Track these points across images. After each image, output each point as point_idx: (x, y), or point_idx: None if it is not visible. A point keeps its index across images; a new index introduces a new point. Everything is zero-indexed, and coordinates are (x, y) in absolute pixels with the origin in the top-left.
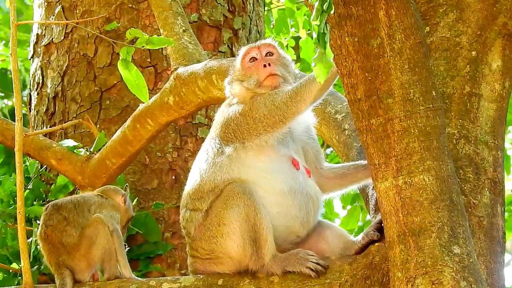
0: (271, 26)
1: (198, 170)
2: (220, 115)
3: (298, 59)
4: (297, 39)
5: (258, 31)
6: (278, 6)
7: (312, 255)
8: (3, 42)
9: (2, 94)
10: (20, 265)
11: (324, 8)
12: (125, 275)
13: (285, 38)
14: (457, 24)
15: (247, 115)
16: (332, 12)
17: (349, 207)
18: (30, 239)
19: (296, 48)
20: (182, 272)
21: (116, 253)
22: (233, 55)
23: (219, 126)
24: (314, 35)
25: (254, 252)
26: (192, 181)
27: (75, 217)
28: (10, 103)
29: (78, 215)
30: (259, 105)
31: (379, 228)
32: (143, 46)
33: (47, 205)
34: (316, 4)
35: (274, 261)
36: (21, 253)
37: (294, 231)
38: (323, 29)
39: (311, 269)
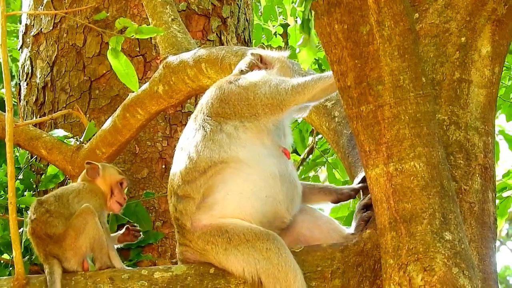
0: (259, 14)
1: (194, 148)
2: (218, 91)
3: (286, 46)
4: (285, 26)
5: (246, 19)
6: None
7: None
8: None
9: None
10: (11, 256)
11: None
12: (115, 266)
13: (273, 26)
14: (446, 10)
15: (249, 90)
16: None
17: None
18: (21, 229)
19: (284, 36)
20: (173, 261)
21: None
22: (221, 43)
23: (216, 102)
24: (299, 22)
25: None
26: (184, 159)
27: (57, 208)
28: None
29: (60, 206)
30: (264, 83)
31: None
32: (133, 36)
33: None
34: None
35: None
36: (13, 244)
37: (280, 215)
38: (307, 16)
39: None
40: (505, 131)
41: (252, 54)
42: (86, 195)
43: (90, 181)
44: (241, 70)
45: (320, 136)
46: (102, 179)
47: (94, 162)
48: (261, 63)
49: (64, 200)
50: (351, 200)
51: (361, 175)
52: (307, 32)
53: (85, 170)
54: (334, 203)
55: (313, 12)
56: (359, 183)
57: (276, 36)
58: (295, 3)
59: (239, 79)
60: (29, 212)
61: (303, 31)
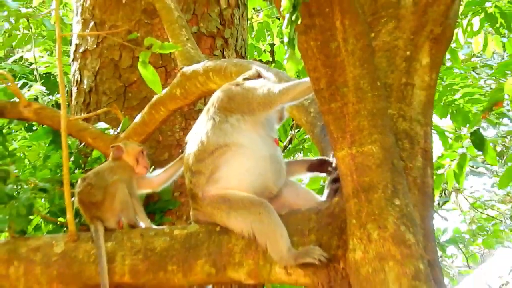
0: (253, 35)
1: (205, 134)
2: (227, 91)
3: (273, 61)
4: (272, 45)
5: (243, 39)
6: (257, 20)
7: (317, 249)
8: (48, 52)
9: (48, 92)
10: (65, 219)
11: (293, 19)
12: (145, 225)
13: (263, 44)
14: (395, 31)
15: (250, 91)
16: (299, 22)
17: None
18: (73, 198)
19: (272, 53)
20: (188, 222)
21: (136, 210)
22: (224, 57)
23: (225, 98)
24: (286, 40)
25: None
26: (197, 143)
27: (96, 182)
28: (54, 98)
29: (98, 180)
30: (261, 87)
31: (336, 188)
32: (157, 51)
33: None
34: (287, 16)
35: (289, 254)
36: (67, 208)
37: (269, 188)
38: (292, 35)
39: (316, 259)
40: (438, 126)
41: (255, 70)
42: (117, 170)
43: (118, 159)
44: (245, 78)
45: (297, 130)
46: (127, 154)
47: (117, 144)
48: (259, 77)
49: (101, 175)
50: (322, 176)
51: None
52: (292, 48)
53: (111, 153)
54: (309, 171)
55: (296, 33)
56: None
57: (265, 52)
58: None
59: (244, 84)
60: (76, 186)
61: (289, 47)
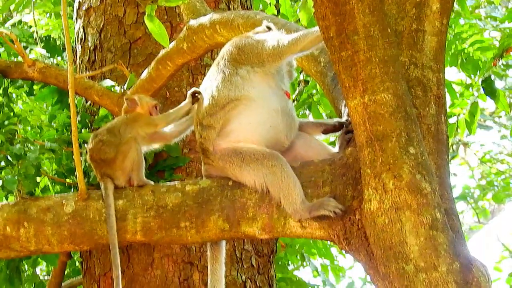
0: None
1: (216, 87)
2: (238, 42)
3: (278, 14)
4: None
5: None
6: None
7: (332, 201)
8: (48, 15)
9: (49, 55)
10: (73, 179)
11: None
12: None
13: None
14: None
15: (260, 42)
16: None
17: None
18: (81, 158)
19: (277, 6)
20: (197, 179)
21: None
22: (230, 10)
23: (235, 50)
24: None
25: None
26: (207, 97)
27: (108, 138)
28: (55, 61)
29: (111, 136)
30: (271, 39)
31: (348, 139)
32: (163, 4)
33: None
34: None
35: (303, 206)
36: (76, 167)
37: (281, 141)
38: None
39: (331, 211)
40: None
41: (266, 25)
42: (132, 123)
43: (131, 111)
44: (256, 32)
45: (306, 84)
46: (141, 107)
47: (131, 96)
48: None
49: (116, 131)
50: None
51: (345, 113)
52: None
53: (125, 104)
54: (324, 133)
55: None
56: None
57: (270, 6)
58: None
59: (254, 36)
60: (88, 142)
61: None
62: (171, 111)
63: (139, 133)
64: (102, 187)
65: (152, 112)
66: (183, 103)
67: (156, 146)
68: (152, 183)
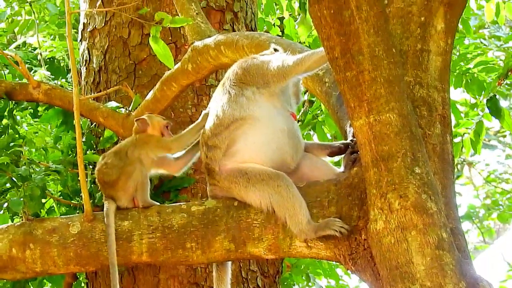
0: (261, 10)
1: (221, 107)
2: (243, 63)
3: (282, 35)
4: (281, 19)
5: (252, 12)
6: None
7: (338, 221)
8: (51, 37)
9: (53, 77)
10: (78, 201)
11: None
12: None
13: (272, 18)
14: None
15: (265, 63)
16: None
17: None
18: (87, 179)
19: (281, 27)
20: (203, 200)
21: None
22: (234, 31)
23: (240, 71)
24: (297, 5)
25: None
26: (212, 117)
27: (113, 161)
28: (59, 82)
29: (116, 159)
30: (276, 59)
31: (354, 159)
32: (168, 25)
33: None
34: None
35: (309, 226)
36: (82, 188)
37: (286, 163)
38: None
39: (336, 231)
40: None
41: (273, 48)
42: (141, 144)
43: (142, 132)
44: (263, 54)
45: (311, 105)
46: (152, 127)
47: (141, 117)
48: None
49: (123, 154)
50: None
51: (350, 133)
52: (303, 11)
53: (135, 126)
54: (329, 156)
55: None
56: (348, 139)
57: (274, 26)
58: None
59: (259, 57)
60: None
61: (300, 11)
62: (183, 132)
63: (149, 155)
64: (104, 207)
65: (163, 132)
66: (194, 124)
67: (161, 172)
68: (157, 204)
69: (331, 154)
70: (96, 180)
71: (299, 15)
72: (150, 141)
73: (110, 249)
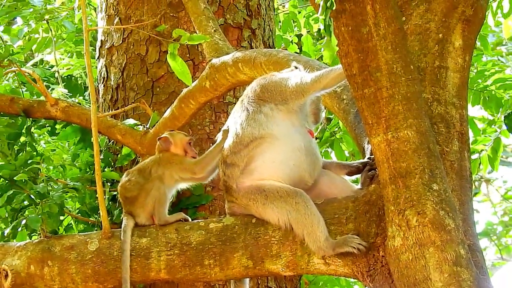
0: (279, 27)
1: (240, 125)
2: (262, 81)
3: (300, 52)
4: (299, 36)
5: (270, 29)
6: (284, 11)
7: (356, 238)
8: (69, 54)
9: (70, 94)
10: (96, 218)
11: (328, 5)
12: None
13: (290, 36)
14: (427, 14)
15: (283, 80)
16: (334, 8)
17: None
18: (105, 196)
19: (299, 44)
20: (221, 217)
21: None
22: (252, 48)
23: (259, 88)
24: (321, 27)
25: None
26: (232, 135)
27: (136, 178)
28: (76, 100)
29: (139, 176)
30: (295, 76)
31: (371, 176)
32: (186, 42)
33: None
34: (322, 2)
35: (327, 243)
36: (100, 206)
37: (304, 180)
38: (328, 22)
39: (354, 248)
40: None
41: (294, 67)
42: (165, 164)
43: (165, 151)
44: (282, 72)
45: (329, 122)
46: (175, 145)
47: (163, 135)
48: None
49: (147, 172)
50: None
51: (368, 150)
52: (328, 34)
53: (157, 144)
54: (348, 175)
55: (332, 19)
56: (366, 158)
57: (292, 44)
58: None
59: (278, 74)
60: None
61: (325, 33)
62: (205, 153)
63: (173, 176)
64: (122, 224)
65: (187, 149)
66: (215, 144)
67: (191, 183)
68: (175, 220)
69: (350, 174)
70: (118, 195)
71: (323, 37)
72: (174, 161)
73: (124, 264)
